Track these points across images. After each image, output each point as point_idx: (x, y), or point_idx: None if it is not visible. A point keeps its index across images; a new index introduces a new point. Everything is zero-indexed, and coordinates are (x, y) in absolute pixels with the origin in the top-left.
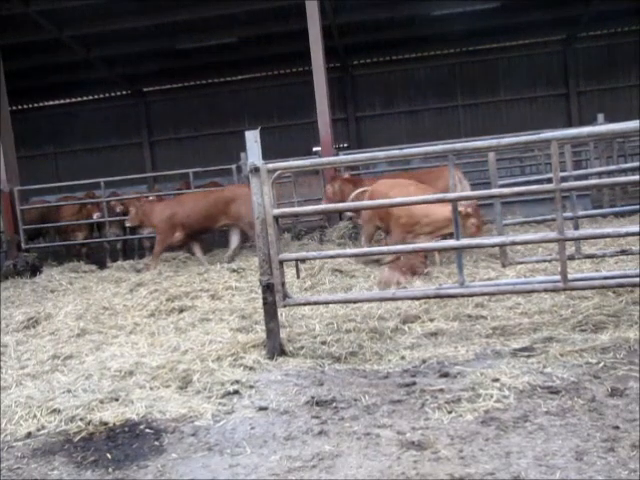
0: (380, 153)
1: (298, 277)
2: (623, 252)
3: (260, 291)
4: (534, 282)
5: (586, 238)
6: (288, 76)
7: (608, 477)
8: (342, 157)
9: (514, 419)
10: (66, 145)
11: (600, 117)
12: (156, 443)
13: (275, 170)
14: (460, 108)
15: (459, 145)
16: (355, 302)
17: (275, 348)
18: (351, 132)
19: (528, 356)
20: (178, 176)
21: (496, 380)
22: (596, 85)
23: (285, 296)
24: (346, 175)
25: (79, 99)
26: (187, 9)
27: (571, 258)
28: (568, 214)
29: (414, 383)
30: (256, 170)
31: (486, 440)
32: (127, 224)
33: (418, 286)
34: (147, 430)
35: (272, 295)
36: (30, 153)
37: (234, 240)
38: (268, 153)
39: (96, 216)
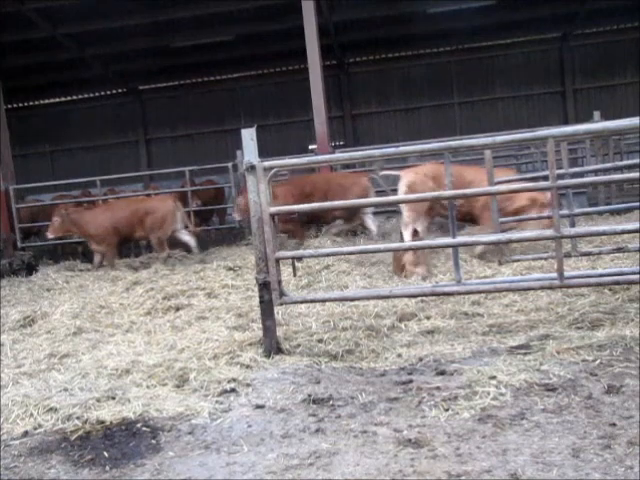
0: (376, 151)
1: (294, 275)
2: (619, 250)
3: (256, 289)
4: (530, 280)
5: (582, 236)
6: (284, 74)
7: (605, 474)
8: (338, 155)
9: (511, 416)
10: (62, 143)
11: (596, 115)
12: (153, 441)
13: (271, 168)
14: (456, 106)
15: (455, 143)
16: (351, 300)
17: (272, 346)
18: (347, 130)
19: (525, 354)
20: (174, 174)
21: (493, 378)
22: (592, 83)
23: (281, 294)
24: None
25: (74, 97)
26: (183, 7)
27: (567, 256)
28: (564, 212)
29: (411, 381)
30: (252, 168)
31: (483, 437)
32: (49, 235)
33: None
34: (144, 429)
35: (268, 293)
36: (25, 152)
37: (189, 240)
38: (264, 151)
39: None
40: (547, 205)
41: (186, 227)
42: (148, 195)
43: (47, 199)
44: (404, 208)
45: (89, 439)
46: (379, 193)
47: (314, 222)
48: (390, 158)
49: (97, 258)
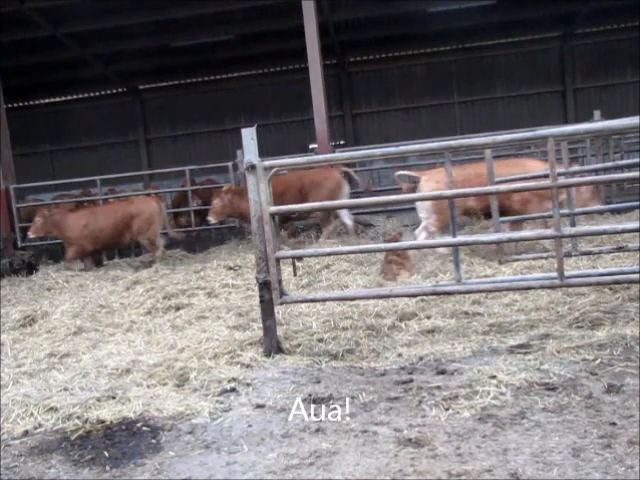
0: (376, 150)
1: (295, 274)
2: (619, 249)
3: (257, 289)
4: (531, 279)
5: (582, 235)
6: (284, 73)
7: (605, 474)
8: (338, 154)
9: (511, 416)
10: (62, 143)
11: (597, 114)
12: (153, 441)
13: (271, 167)
14: (456, 105)
15: (455, 142)
16: (352, 299)
17: (272, 346)
18: (347, 129)
19: (525, 353)
20: (174, 174)
21: (493, 377)
22: (593, 82)
23: (282, 294)
24: (226, 187)
25: (75, 97)
26: (183, 6)
27: (568, 255)
28: (565, 211)
29: (411, 380)
30: (252, 168)
31: (483, 437)
32: (30, 235)
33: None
34: (144, 428)
35: (269, 293)
36: (26, 151)
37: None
38: (264, 150)
39: None
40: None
41: (164, 228)
42: (148, 195)
43: (47, 199)
44: (432, 217)
45: (89, 439)
46: (356, 192)
47: (290, 220)
48: (390, 157)
49: (87, 260)
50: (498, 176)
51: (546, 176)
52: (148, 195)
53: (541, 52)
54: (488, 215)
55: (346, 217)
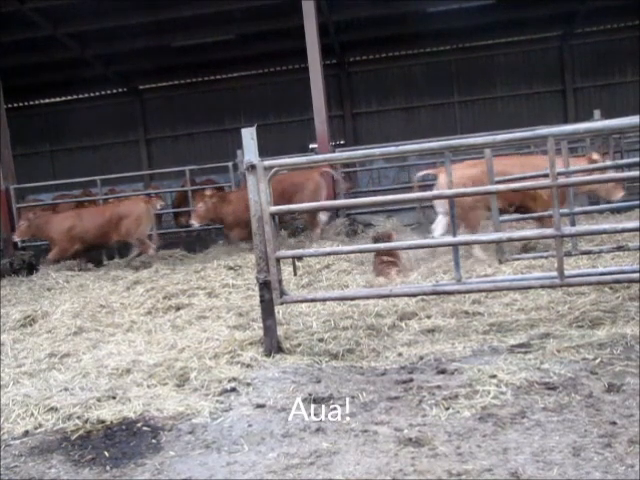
0: (376, 150)
1: (295, 274)
2: (620, 248)
3: (257, 288)
4: (531, 278)
5: (583, 234)
6: (284, 73)
7: (605, 473)
8: (338, 154)
9: (511, 415)
10: (62, 143)
11: (597, 113)
12: (153, 441)
13: (272, 167)
14: (456, 105)
15: (455, 142)
16: (352, 299)
17: (272, 345)
18: (347, 129)
19: (525, 352)
20: (174, 174)
21: (493, 376)
22: (592, 81)
23: (282, 293)
24: (208, 192)
25: (75, 97)
26: (183, 6)
27: (568, 254)
28: (565, 210)
29: (411, 380)
30: (252, 167)
31: (483, 436)
32: (16, 238)
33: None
34: (144, 428)
35: (269, 292)
36: (26, 151)
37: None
38: (264, 150)
39: None
40: None
41: (150, 230)
42: (150, 194)
43: (48, 199)
44: (461, 223)
45: (90, 439)
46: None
47: (282, 223)
48: (390, 157)
49: (82, 260)
50: (518, 174)
51: (575, 172)
52: (148, 195)
53: (541, 51)
54: (517, 210)
55: (321, 213)
